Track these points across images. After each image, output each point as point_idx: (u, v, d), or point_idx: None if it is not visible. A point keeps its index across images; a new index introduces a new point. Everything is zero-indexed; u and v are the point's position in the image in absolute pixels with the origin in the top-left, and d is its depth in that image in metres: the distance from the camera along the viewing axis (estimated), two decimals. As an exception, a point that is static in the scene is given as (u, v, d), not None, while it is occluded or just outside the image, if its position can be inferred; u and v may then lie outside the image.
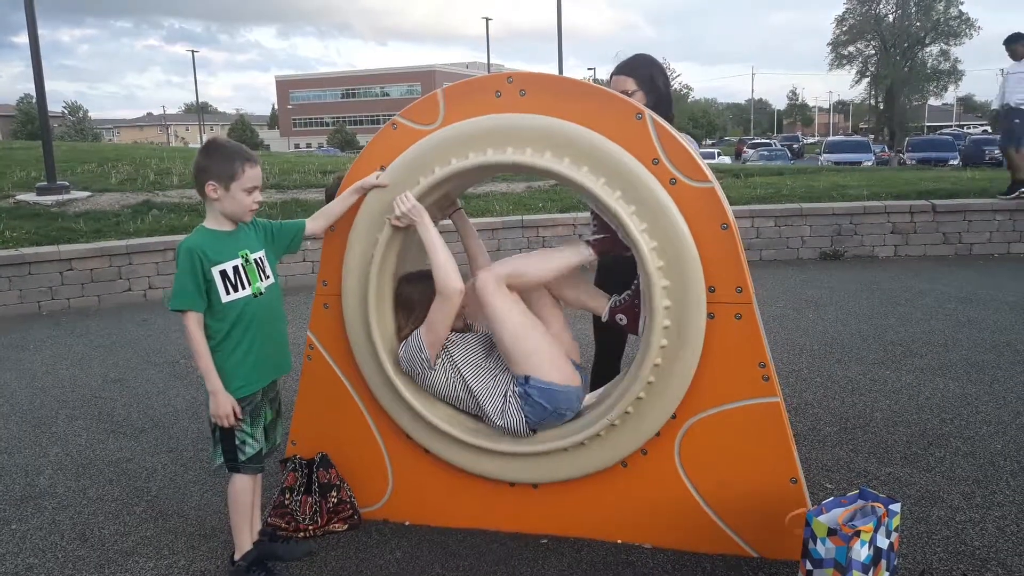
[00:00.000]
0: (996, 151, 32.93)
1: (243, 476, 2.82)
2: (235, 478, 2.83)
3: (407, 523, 3.25)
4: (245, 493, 2.83)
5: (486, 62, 47.68)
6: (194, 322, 2.72)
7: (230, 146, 2.75)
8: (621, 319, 3.10)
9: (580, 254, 3.01)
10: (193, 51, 65.84)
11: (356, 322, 3.08)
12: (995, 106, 10.05)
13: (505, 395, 2.89)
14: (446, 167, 2.86)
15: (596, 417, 2.93)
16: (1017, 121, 9.12)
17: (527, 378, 2.83)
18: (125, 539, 3.22)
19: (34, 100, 10.89)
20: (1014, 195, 9.03)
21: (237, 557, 2.87)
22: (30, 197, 9.66)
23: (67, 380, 5.35)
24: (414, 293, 3.01)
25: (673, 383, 2.81)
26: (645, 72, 3.36)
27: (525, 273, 2.92)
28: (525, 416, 2.87)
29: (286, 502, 3.17)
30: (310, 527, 3.14)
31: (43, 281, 7.51)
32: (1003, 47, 9.29)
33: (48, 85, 10.13)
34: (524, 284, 2.92)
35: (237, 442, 2.78)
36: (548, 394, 2.82)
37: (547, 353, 2.85)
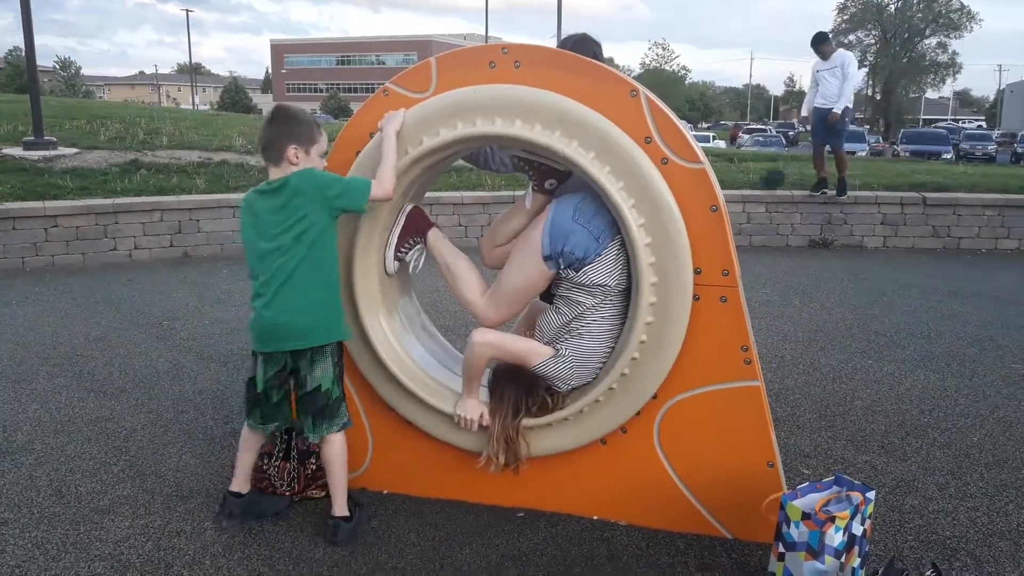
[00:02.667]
0: (990, 147, 33.12)
1: (344, 435, 2.92)
2: (337, 438, 2.90)
3: (384, 492, 3.26)
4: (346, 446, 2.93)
5: (484, 34, 47.25)
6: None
7: (305, 113, 2.83)
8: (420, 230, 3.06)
9: (530, 203, 3.00)
10: (188, 11, 64.93)
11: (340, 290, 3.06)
12: (804, 112, 9.62)
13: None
14: (435, 137, 2.83)
15: (577, 394, 2.93)
16: (847, 120, 8.97)
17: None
18: (101, 497, 3.21)
19: (23, 53, 10.70)
20: (820, 192, 9.07)
21: (349, 512, 2.93)
22: (16, 151, 9.53)
23: (49, 337, 5.31)
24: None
25: (655, 362, 2.81)
26: (588, 50, 3.31)
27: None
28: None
29: (264, 467, 3.16)
30: (287, 492, 3.14)
31: (27, 237, 7.44)
32: (812, 48, 9.07)
33: (37, 39, 9.96)
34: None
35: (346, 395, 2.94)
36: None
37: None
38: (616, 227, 2.76)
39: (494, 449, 2.88)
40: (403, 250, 3.08)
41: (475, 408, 2.96)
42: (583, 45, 3.28)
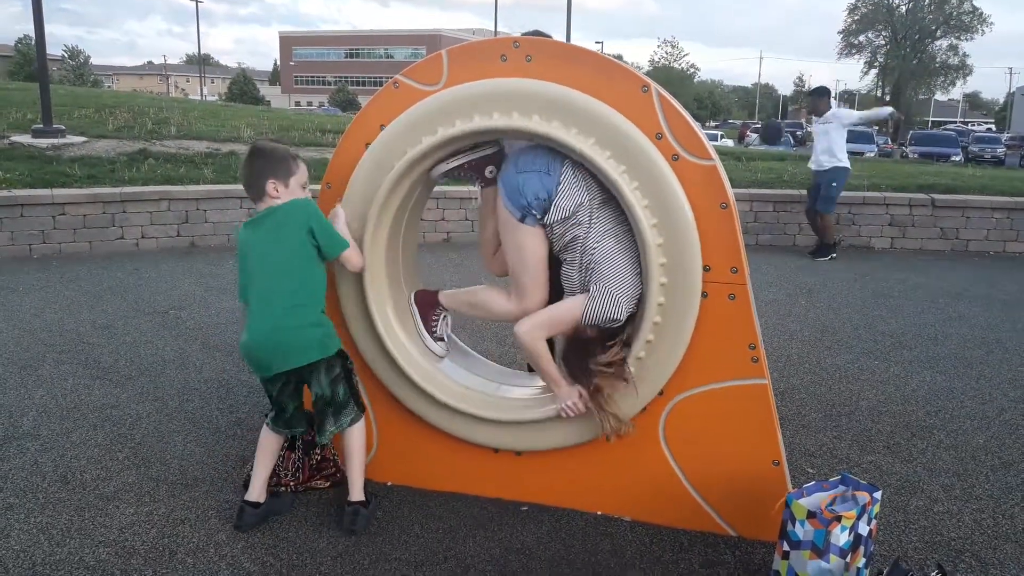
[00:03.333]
0: (999, 150, 32.96)
1: (362, 421, 2.96)
2: (357, 427, 2.94)
3: (389, 484, 3.26)
4: (364, 434, 2.97)
5: (492, 29, 47.19)
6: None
7: (282, 148, 2.91)
8: (491, 171, 3.01)
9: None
10: (197, 0, 64.87)
11: (347, 281, 3.06)
12: (813, 166, 8.76)
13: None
14: (449, 129, 2.82)
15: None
16: (835, 184, 8.36)
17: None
18: (107, 484, 3.22)
19: (33, 42, 10.71)
20: (827, 257, 8.41)
21: (363, 498, 2.95)
22: (25, 139, 9.55)
23: (55, 324, 5.32)
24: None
25: (663, 359, 2.80)
26: None
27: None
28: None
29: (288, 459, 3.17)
30: (291, 483, 3.15)
31: (35, 224, 7.45)
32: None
33: (46, 28, 9.95)
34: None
35: (356, 383, 2.97)
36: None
37: None
38: (559, 156, 2.78)
39: (605, 424, 2.82)
40: (435, 330, 3.14)
41: (570, 392, 2.87)
42: None
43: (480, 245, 3.25)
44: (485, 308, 3.04)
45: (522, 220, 2.80)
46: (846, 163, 8.41)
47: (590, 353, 2.79)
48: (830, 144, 8.34)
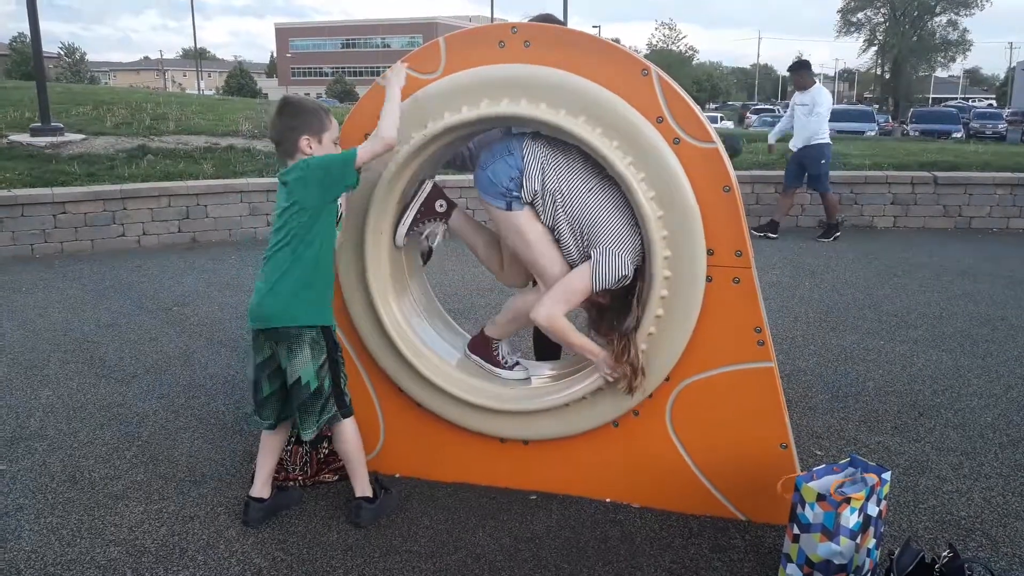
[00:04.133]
0: (1000, 126, 32.80)
1: (351, 419, 2.89)
2: (345, 424, 2.87)
3: (397, 475, 3.26)
4: (357, 434, 2.91)
5: (489, 15, 46.97)
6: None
7: (312, 101, 2.82)
8: (440, 205, 3.08)
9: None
10: (192, -6, 64.57)
11: (351, 273, 3.05)
12: (771, 140, 9.12)
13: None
14: (446, 118, 2.80)
15: (589, 376, 2.92)
16: (823, 161, 8.26)
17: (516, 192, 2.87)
18: (115, 483, 3.22)
19: (28, 40, 10.67)
20: (832, 238, 8.34)
21: (372, 493, 2.93)
22: (23, 138, 9.52)
23: (59, 324, 5.32)
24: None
25: (668, 345, 2.79)
26: None
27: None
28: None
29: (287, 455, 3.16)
30: (299, 476, 3.15)
31: (36, 224, 7.44)
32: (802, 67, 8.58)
33: (41, 25, 9.91)
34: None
35: (343, 383, 2.87)
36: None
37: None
38: (515, 136, 2.82)
39: (634, 381, 2.80)
40: (504, 362, 3.17)
41: (607, 357, 2.83)
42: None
43: (487, 266, 3.30)
44: (526, 315, 3.00)
45: (508, 208, 2.81)
46: (828, 139, 8.38)
47: (616, 317, 2.81)
48: (818, 121, 8.23)
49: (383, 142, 2.68)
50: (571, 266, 2.86)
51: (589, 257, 2.77)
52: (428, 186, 3.07)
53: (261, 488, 2.92)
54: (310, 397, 2.77)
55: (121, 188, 7.80)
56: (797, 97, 8.50)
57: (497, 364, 3.17)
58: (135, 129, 10.62)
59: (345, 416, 2.87)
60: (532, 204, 2.82)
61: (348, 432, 2.88)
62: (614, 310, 2.84)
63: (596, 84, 2.70)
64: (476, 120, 2.78)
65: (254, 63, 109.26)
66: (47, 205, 7.46)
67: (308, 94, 76.46)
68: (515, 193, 2.79)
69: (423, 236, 3.20)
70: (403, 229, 3.05)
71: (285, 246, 2.70)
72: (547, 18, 3.32)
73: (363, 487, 2.93)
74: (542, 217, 2.84)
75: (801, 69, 8.60)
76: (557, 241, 2.86)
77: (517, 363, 3.21)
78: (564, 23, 3.40)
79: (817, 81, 8.67)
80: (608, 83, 2.71)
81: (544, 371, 3.26)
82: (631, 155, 2.67)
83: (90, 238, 7.64)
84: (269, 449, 2.94)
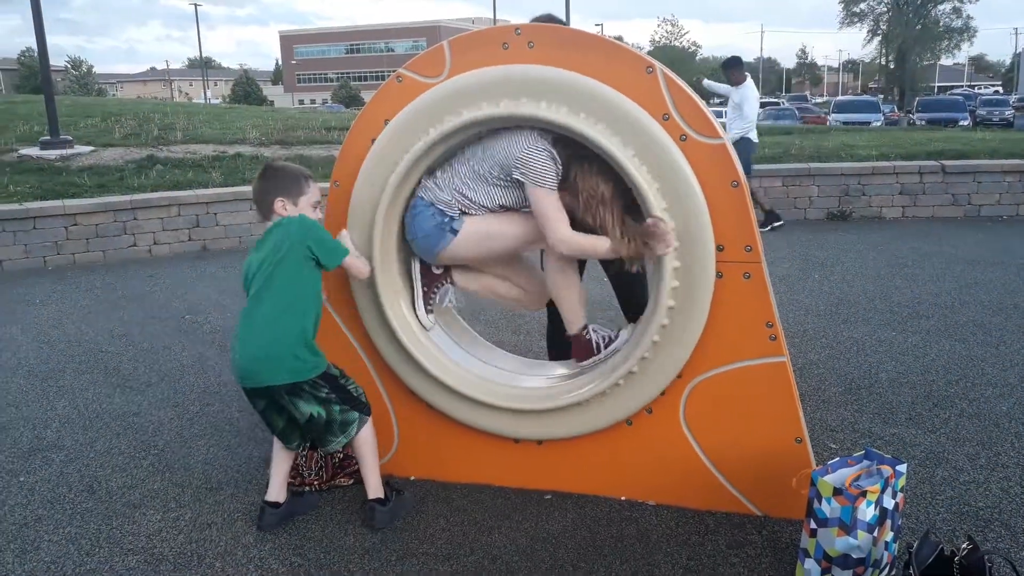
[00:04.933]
0: (1007, 112, 32.61)
1: (369, 421, 2.92)
2: (365, 428, 2.90)
3: (412, 478, 3.27)
4: (373, 435, 2.94)
5: (492, 17, 46.97)
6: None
7: (293, 167, 2.89)
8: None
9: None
10: (196, 4, 64.81)
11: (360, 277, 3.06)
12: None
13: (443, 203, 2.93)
14: (454, 119, 2.81)
15: (602, 375, 2.93)
16: (746, 156, 8.21)
17: (453, 218, 2.93)
18: (132, 492, 3.25)
19: (36, 54, 10.75)
20: (769, 227, 8.29)
21: (384, 494, 2.94)
22: (33, 151, 9.60)
23: (73, 334, 5.36)
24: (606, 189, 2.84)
25: (679, 342, 2.79)
26: None
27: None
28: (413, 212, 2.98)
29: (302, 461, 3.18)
30: (315, 481, 3.17)
31: (48, 236, 7.50)
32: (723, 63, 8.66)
33: (48, 39, 9.98)
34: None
35: (353, 391, 2.91)
36: (425, 219, 2.94)
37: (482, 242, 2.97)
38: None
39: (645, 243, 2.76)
40: (431, 302, 3.16)
41: (620, 243, 2.79)
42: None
43: (509, 300, 3.28)
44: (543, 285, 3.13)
45: (452, 231, 2.90)
46: (752, 134, 8.45)
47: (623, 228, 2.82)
48: (749, 114, 8.37)
49: (361, 270, 2.87)
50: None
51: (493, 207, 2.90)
52: (416, 262, 3.10)
53: (276, 492, 2.94)
54: (325, 425, 2.82)
55: (131, 198, 7.85)
56: (731, 93, 8.56)
57: (427, 299, 3.13)
58: (143, 140, 10.69)
59: (367, 415, 2.92)
60: (465, 213, 2.91)
61: (364, 432, 2.90)
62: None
63: (602, 83, 2.70)
64: (484, 120, 2.78)
65: (260, 71, 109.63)
66: (58, 217, 7.52)
67: (314, 100, 76.71)
68: (449, 215, 2.88)
69: (442, 303, 3.21)
70: (422, 311, 3.11)
71: (275, 299, 2.71)
72: (548, 18, 3.33)
73: (375, 489, 2.94)
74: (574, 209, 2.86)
75: (732, 66, 8.67)
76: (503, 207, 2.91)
77: (618, 333, 3.14)
78: (566, 23, 3.38)
79: (748, 76, 8.70)
80: (613, 82, 2.71)
81: (557, 371, 3.26)
82: (641, 156, 2.66)
83: (101, 249, 7.69)
84: (281, 455, 2.96)
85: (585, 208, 2.81)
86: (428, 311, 3.14)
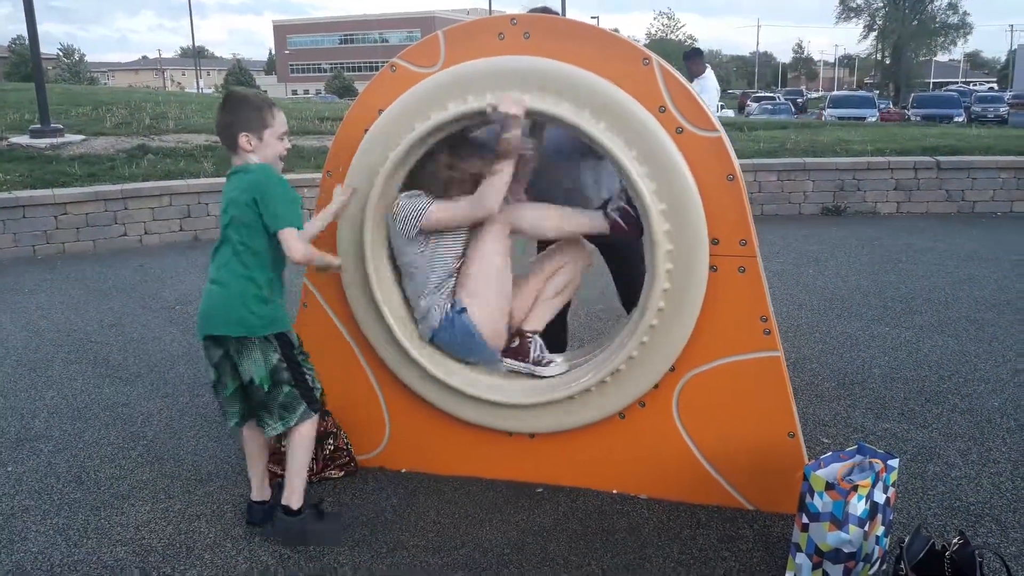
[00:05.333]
0: (1002, 109, 32.68)
1: (312, 421, 2.75)
2: (308, 423, 2.73)
3: (403, 471, 3.25)
4: (312, 438, 2.78)
5: (487, 8, 46.80)
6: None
7: (257, 96, 2.71)
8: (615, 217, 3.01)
9: (596, 224, 3.01)
10: (189, -8, 64.31)
11: (352, 270, 3.04)
12: None
13: (438, 306, 2.94)
14: (444, 112, 2.78)
15: (595, 368, 2.91)
16: None
17: (464, 309, 2.90)
18: (121, 483, 3.22)
19: (27, 41, 10.66)
20: None
21: (296, 506, 2.74)
22: (23, 140, 9.52)
23: (63, 324, 5.32)
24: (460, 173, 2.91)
25: (673, 335, 2.78)
26: None
27: (541, 228, 3.03)
28: (435, 332, 2.97)
29: (282, 448, 3.15)
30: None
31: (37, 225, 7.44)
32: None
33: (39, 27, 9.89)
34: (534, 236, 3.06)
35: (310, 380, 2.75)
36: (467, 336, 2.92)
37: (493, 308, 2.94)
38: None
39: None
40: (541, 359, 3.13)
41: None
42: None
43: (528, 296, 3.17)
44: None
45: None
46: None
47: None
48: (708, 104, 8.35)
49: (293, 249, 2.54)
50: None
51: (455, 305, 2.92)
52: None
53: (258, 492, 2.87)
54: (265, 398, 2.65)
55: (122, 188, 7.80)
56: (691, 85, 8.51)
57: (534, 361, 3.10)
58: (135, 129, 10.61)
59: (314, 411, 2.74)
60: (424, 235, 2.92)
61: (306, 428, 2.73)
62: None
63: (597, 75, 2.67)
64: (478, 112, 2.76)
65: (253, 60, 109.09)
66: (48, 206, 7.46)
67: (307, 91, 76.41)
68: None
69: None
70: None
71: (231, 248, 2.60)
72: (543, 10, 3.30)
73: (288, 496, 2.74)
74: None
75: (692, 57, 8.87)
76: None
77: (551, 361, 3.14)
78: (561, 15, 3.36)
79: (708, 68, 8.84)
80: (609, 73, 2.69)
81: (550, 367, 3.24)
82: (634, 148, 2.65)
83: (92, 238, 7.64)
84: (252, 452, 2.85)
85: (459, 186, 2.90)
86: (544, 364, 3.12)
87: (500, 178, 2.75)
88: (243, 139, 2.62)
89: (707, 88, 8.65)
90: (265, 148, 2.65)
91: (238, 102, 2.67)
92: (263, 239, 2.59)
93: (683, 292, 2.73)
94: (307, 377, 2.74)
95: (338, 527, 2.82)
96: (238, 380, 2.69)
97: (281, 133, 2.68)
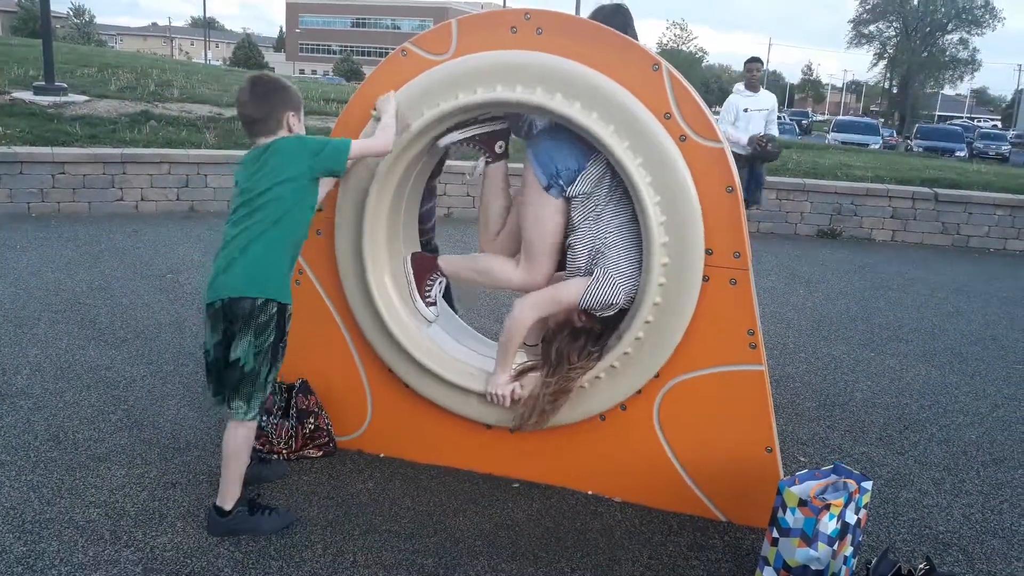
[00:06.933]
0: (1004, 147, 32.86)
1: (254, 422, 2.69)
2: (242, 428, 2.65)
3: (381, 455, 3.26)
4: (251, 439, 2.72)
5: (501, 1, 46.74)
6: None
7: (284, 78, 2.80)
8: (500, 146, 3.04)
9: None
10: (204, -37, 64.00)
11: (348, 251, 3.04)
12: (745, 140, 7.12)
13: None
14: (453, 100, 2.79)
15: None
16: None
17: None
18: (99, 445, 3.22)
19: (37, -2, 10.59)
20: None
21: (230, 506, 2.67)
22: (26, 95, 9.46)
23: (52, 284, 5.30)
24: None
25: (660, 342, 2.79)
26: (619, 22, 3.23)
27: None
28: None
29: (262, 424, 3.16)
30: (284, 451, 3.15)
31: (34, 182, 7.40)
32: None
33: (51, -17, 9.84)
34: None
35: (272, 388, 2.72)
36: None
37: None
38: (592, 148, 2.77)
39: (529, 418, 2.87)
40: (428, 295, 3.14)
41: (507, 385, 2.94)
42: (614, 17, 3.24)
43: (481, 225, 3.18)
44: (489, 274, 3.04)
45: (547, 189, 2.81)
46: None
47: (571, 348, 2.84)
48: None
49: (380, 145, 2.74)
50: (570, 273, 2.87)
51: (590, 273, 2.79)
52: (501, 125, 3.02)
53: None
54: (240, 379, 2.60)
55: (122, 152, 7.76)
56: (749, 101, 7.68)
57: (422, 291, 3.12)
58: (139, 94, 10.56)
59: (258, 414, 2.68)
60: (568, 200, 2.82)
61: (243, 434, 2.66)
62: (577, 342, 2.87)
63: (605, 76, 2.69)
64: (486, 103, 2.77)
65: (263, 36, 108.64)
66: (46, 164, 7.42)
67: (315, 71, 76.18)
68: (561, 183, 2.79)
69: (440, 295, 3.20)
70: (455, 136, 2.97)
71: (257, 219, 2.60)
72: (615, 9, 3.29)
73: (222, 497, 2.67)
74: (572, 216, 2.84)
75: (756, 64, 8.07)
76: (569, 246, 2.86)
77: (434, 304, 3.16)
78: (630, 16, 3.33)
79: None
80: (618, 75, 2.70)
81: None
82: (641, 155, 2.66)
83: (88, 200, 7.60)
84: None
85: None
86: (428, 304, 3.14)
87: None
88: (292, 117, 2.69)
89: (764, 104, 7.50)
90: (299, 128, 2.74)
91: (282, 85, 2.74)
92: (294, 211, 2.64)
93: (675, 300, 2.74)
94: (272, 382, 2.69)
95: (280, 519, 2.74)
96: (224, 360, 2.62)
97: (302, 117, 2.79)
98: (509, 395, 2.93)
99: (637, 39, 3.16)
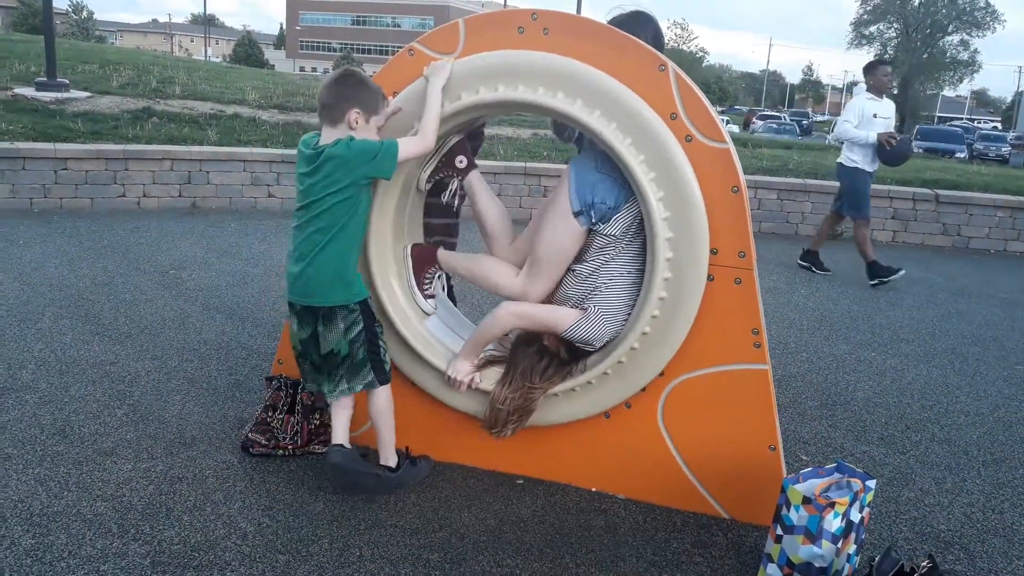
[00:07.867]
0: (1004, 148, 32.85)
1: (387, 387, 2.92)
2: (380, 391, 2.90)
3: (386, 452, 3.27)
4: (390, 402, 2.94)
5: (501, 1, 46.74)
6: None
7: (374, 82, 2.80)
8: (460, 161, 3.05)
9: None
10: (205, -40, 63.98)
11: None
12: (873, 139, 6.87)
13: None
14: (457, 101, 2.81)
15: (587, 365, 2.94)
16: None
17: None
18: (105, 439, 3.23)
19: (38, -8, 10.59)
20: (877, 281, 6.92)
21: (395, 462, 2.97)
22: (28, 92, 9.46)
23: (55, 279, 5.31)
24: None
25: (665, 340, 2.81)
26: (650, 29, 3.22)
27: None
28: None
29: (268, 419, 3.18)
30: (290, 446, 3.16)
31: (36, 178, 7.41)
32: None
33: (52, -21, 9.84)
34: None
35: (382, 352, 2.88)
36: None
37: None
38: (631, 189, 2.76)
39: (493, 414, 2.89)
40: (427, 287, 3.15)
41: (467, 372, 2.99)
42: (628, 23, 3.15)
43: (488, 238, 3.13)
44: (487, 278, 3.05)
45: (576, 215, 2.79)
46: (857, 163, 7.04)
47: (539, 362, 2.89)
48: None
49: (424, 145, 2.76)
50: (557, 298, 2.93)
51: (580, 305, 2.85)
52: (452, 140, 3.02)
53: (341, 439, 2.90)
54: (340, 363, 2.80)
55: (124, 148, 7.77)
56: (877, 106, 7.20)
57: (420, 283, 3.14)
58: (141, 90, 10.57)
59: (382, 383, 2.89)
60: (592, 231, 2.83)
61: (381, 398, 2.91)
62: (547, 360, 2.92)
63: (612, 77, 2.70)
64: (492, 103, 2.79)
65: (263, 34, 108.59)
66: (49, 160, 7.42)
67: (315, 68, 76.11)
68: (593, 215, 2.78)
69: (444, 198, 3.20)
70: (424, 175, 3.04)
71: (323, 225, 2.69)
72: (635, 15, 3.26)
73: (386, 455, 2.96)
74: (588, 246, 2.85)
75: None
76: (571, 271, 2.89)
77: (432, 297, 3.18)
78: (655, 19, 3.32)
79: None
80: (625, 76, 2.71)
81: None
82: (643, 152, 2.67)
83: (90, 196, 7.61)
84: (338, 408, 2.90)
85: None
86: (426, 296, 3.15)
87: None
88: (354, 114, 2.69)
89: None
90: (364, 132, 2.72)
91: (360, 81, 2.76)
92: (357, 213, 2.74)
93: (679, 298, 2.76)
94: (381, 350, 2.88)
95: (425, 467, 3.10)
96: (318, 353, 2.82)
97: (380, 126, 2.79)
98: (467, 384, 2.99)
99: (661, 42, 3.20)
